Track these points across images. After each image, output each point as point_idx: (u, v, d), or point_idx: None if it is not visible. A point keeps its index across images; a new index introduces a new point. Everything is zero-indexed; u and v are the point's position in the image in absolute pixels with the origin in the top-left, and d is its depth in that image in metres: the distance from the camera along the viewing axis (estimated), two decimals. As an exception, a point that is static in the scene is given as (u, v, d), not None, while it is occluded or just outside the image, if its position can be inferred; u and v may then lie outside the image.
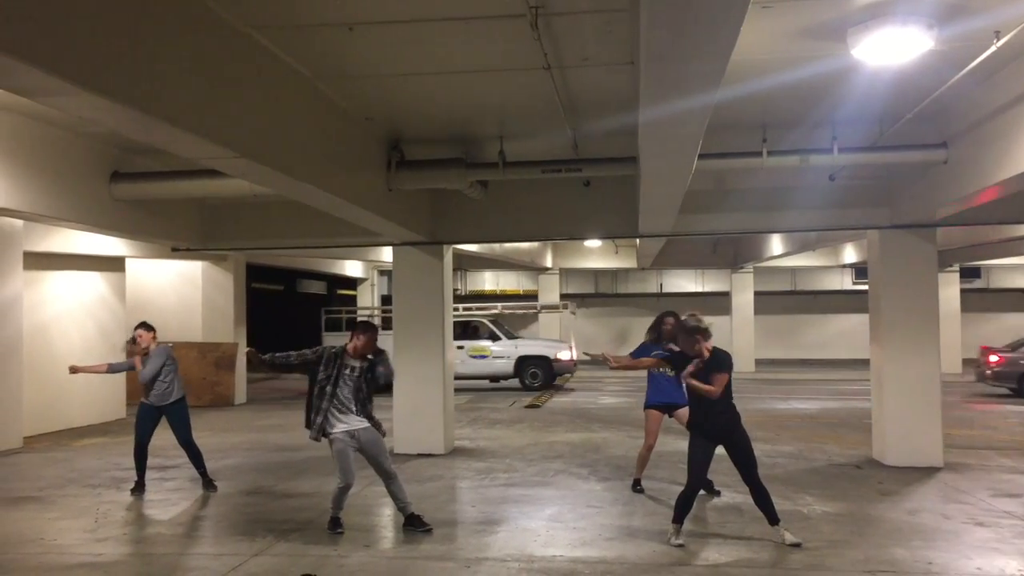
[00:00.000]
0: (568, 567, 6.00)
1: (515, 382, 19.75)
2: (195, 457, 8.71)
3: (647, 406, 8.31)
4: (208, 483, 8.72)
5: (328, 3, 5.39)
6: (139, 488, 8.56)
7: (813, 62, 6.43)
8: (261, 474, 9.63)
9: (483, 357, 19.59)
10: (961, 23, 5.63)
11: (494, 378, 19.94)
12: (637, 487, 8.40)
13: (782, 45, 6.13)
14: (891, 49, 5.77)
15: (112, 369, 8.96)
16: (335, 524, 6.97)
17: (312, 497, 8.35)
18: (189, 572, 6.12)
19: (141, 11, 4.58)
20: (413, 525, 6.99)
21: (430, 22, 5.65)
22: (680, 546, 6.37)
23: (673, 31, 4.02)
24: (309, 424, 6.87)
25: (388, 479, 7.02)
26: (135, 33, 4.53)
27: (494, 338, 19.84)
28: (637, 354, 7.96)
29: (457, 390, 18.78)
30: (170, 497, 8.45)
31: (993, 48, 5.82)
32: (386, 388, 7.25)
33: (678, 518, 6.50)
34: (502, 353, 19.66)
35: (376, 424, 6.99)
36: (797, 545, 6.34)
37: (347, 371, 6.87)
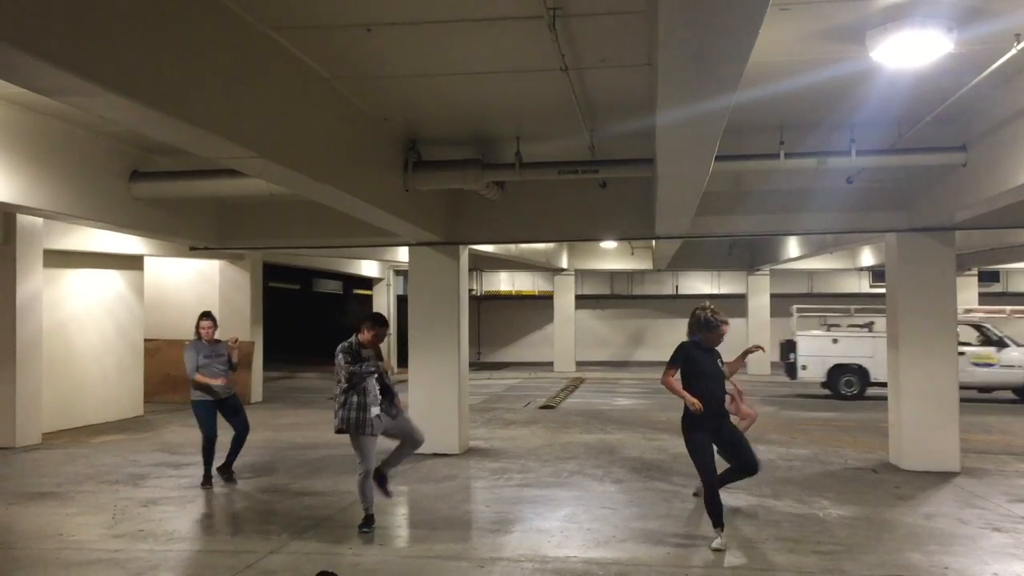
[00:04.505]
0: (582, 568, 6.01)
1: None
2: (240, 444, 9.04)
3: None
4: (229, 476, 9.00)
5: (347, 4, 5.41)
6: (208, 482, 8.79)
7: (831, 64, 6.39)
8: (277, 472, 9.69)
9: (988, 365, 16.84)
10: (980, 26, 5.59)
11: (985, 389, 17.00)
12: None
13: (800, 47, 6.10)
14: (910, 52, 5.73)
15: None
16: (368, 521, 6.96)
17: (327, 495, 8.39)
18: (205, 569, 6.17)
19: (160, 11, 4.61)
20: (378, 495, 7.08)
21: (448, 23, 5.66)
22: (719, 550, 6.30)
23: (691, 33, 4.02)
24: (345, 421, 6.82)
25: (413, 443, 7.12)
26: (154, 33, 4.56)
27: (1000, 344, 17.14)
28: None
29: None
30: (187, 494, 8.52)
31: (1013, 51, 5.78)
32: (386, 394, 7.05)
33: (716, 522, 6.45)
34: (1013, 362, 16.90)
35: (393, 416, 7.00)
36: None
37: (368, 362, 6.87)
